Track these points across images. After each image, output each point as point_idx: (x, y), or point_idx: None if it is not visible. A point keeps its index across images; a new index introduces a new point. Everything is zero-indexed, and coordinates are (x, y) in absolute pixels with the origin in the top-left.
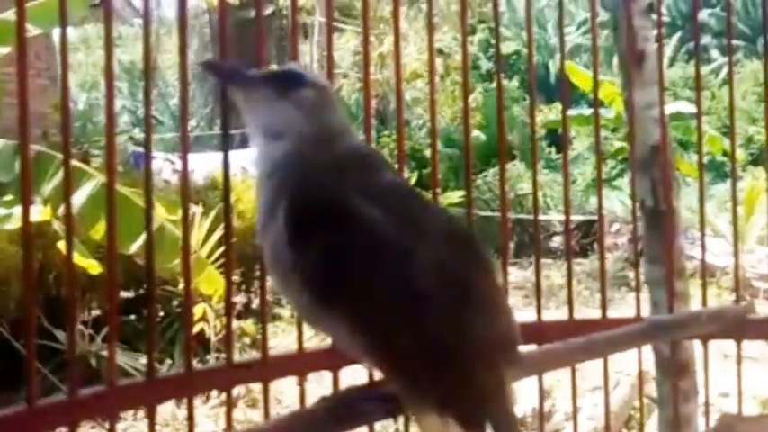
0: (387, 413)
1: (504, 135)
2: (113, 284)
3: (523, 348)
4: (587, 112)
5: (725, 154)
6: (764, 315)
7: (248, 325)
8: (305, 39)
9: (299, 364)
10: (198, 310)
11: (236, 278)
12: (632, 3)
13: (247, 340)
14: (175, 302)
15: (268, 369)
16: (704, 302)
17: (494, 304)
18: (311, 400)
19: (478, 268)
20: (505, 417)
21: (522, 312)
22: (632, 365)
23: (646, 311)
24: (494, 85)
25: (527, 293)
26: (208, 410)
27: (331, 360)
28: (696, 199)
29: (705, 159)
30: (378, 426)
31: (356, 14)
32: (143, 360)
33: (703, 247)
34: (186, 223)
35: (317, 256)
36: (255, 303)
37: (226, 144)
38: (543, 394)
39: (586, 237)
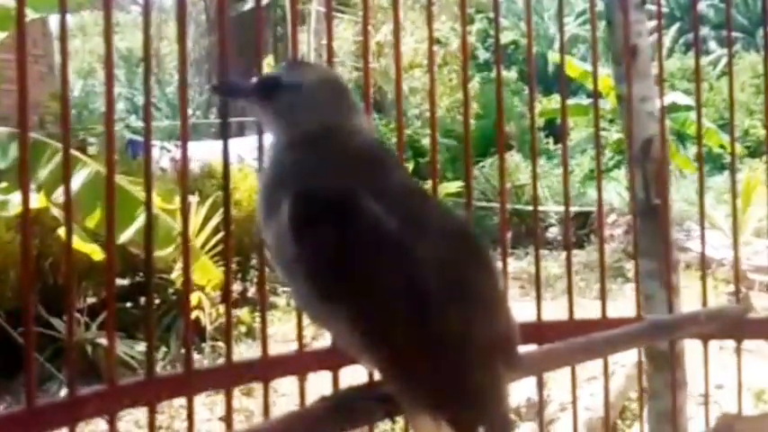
0: (386, 413)
1: (503, 126)
2: (111, 276)
3: (523, 348)
4: (585, 101)
5: (722, 146)
6: (764, 315)
7: (244, 314)
8: (301, 26)
9: (299, 363)
10: (193, 299)
11: (232, 266)
12: None
13: (243, 329)
14: (171, 290)
15: (268, 368)
16: (704, 296)
17: (494, 304)
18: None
19: (480, 268)
20: (500, 419)
21: (519, 304)
22: (627, 356)
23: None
24: (491, 74)
25: (523, 284)
26: (204, 398)
27: (331, 360)
28: (693, 191)
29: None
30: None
31: (353, 3)
32: (139, 348)
33: (703, 240)
34: (186, 214)
35: (318, 251)
36: (251, 292)
37: (225, 132)
38: (542, 393)
39: (583, 228)
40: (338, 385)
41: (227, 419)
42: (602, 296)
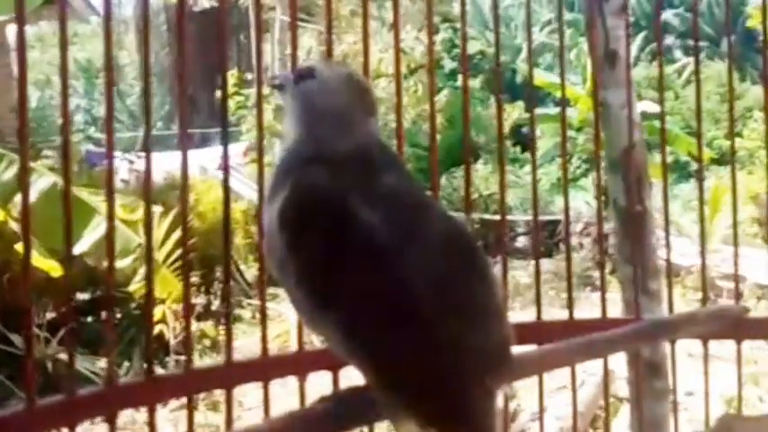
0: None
1: (503, 139)
2: (111, 296)
3: (523, 348)
4: (553, 111)
5: (689, 154)
6: (764, 315)
7: (208, 327)
8: (265, 36)
9: (299, 363)
10: (157, 312)
11: (195, 279)
12: (605, 3)
13: (207, 342)
14: (133, 304)
15: (267, 368)
16: (704, 300)
17: (488, 313)
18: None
19: (473, 274)
20: (486, 429)
21: None
22: (597, 365)
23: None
24: (458, 83)
25: None
26: (167, 414)
27: (331, 360)
28: (659, 199)
29: (669, 159)
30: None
31: (317, 12)
32: (101, 364)
33: (703, 250)
34: (185, 224)
35: (309, 256)
36: (215, 305)
37: (225, 138)
38: (542, 396)
39: (551, 237)
40: (338, 385)
41: (227, 419)
42: (603, 297)
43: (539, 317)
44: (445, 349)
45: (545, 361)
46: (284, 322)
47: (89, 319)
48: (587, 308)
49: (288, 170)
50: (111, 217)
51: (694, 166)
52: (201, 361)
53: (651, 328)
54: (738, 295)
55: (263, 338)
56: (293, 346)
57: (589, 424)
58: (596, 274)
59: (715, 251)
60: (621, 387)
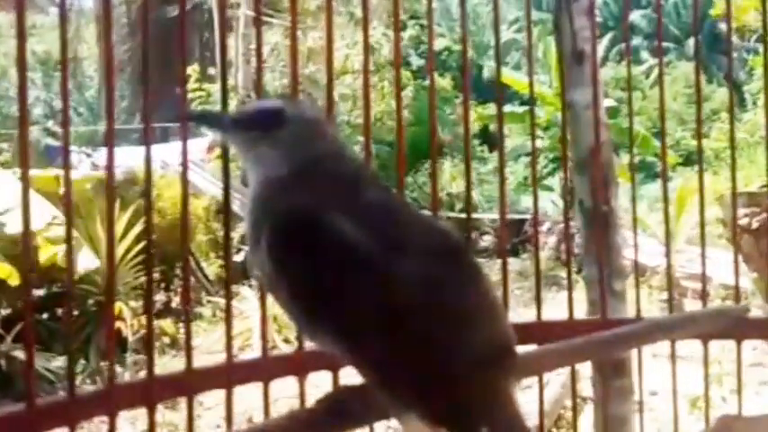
0: (382, 414)
1: (503, 137)
2: (110, 293)
3: (523, 348)
4: (520, 109)
5: (655, 155)
6: (764, 315)
7: (168, 324)
8: (230, 32)
9: (299, 363)
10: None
11: (155, 276)
12: (574, 3)
13: (167, 340)
14: (91, 301)
15: (268, 369)
16: (703, 300)
17: (484, 315)
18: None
19: (465, 278)
20: (504, 422)
21: None
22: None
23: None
24: (425, 82)
25: None
26: (128, 414)
27: (331, 360)
28: (627, 200)
29: (636, 159)
30: None
31: (283, 8)
32: (57, 363)
33: (703, 255)
34: (185, 222)
35: (297, 274)
36: (175, 302)
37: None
38: (543, 395)
39: (517, 235)
40: (338, 385)
41: (228, 419)
42: (603, 298)
43: (539, 317)
44: (441, 349)
45: (545, 361)
46: (246, 320)
47: (44, 315)
48: (553, 308)
49: (266, 204)
50: (110, 221)
51: (660, 166)
52: (160, 359)
53: (651, 328)
54: (705, 295)
55: (263, 338)
56: (255, 345)
57: (554, 423)
58: (562, 273)
59: (680, 251)
60: (586, 387)
